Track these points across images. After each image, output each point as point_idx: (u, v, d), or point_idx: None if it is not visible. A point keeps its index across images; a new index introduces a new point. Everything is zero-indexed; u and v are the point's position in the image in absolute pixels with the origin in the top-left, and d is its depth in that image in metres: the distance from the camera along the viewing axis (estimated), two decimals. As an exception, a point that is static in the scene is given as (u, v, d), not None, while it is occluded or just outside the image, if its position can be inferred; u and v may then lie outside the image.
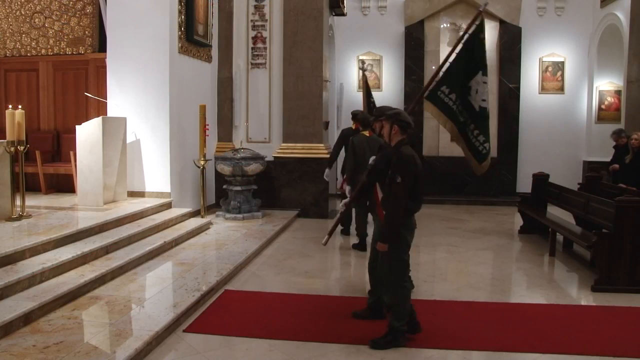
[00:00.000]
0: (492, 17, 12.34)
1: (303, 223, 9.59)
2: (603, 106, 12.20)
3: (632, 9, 10.40)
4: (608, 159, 9.49)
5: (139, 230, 6.86)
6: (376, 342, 4.40)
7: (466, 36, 5.60)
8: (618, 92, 12.04)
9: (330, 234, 5.16)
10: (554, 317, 5.14)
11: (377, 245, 4.49)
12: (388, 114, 4.53)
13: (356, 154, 7.26)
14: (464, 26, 12.30)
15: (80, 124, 7.71)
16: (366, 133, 7.54)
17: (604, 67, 12.11)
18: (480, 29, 5.55)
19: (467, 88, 5.54)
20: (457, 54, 5.52)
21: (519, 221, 9.39)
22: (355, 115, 8.10)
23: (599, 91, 12.21)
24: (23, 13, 9.66)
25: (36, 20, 9.63)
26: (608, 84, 12.15)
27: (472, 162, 5.74)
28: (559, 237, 7.81)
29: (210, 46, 9.80)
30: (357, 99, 12.54)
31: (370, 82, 12.90)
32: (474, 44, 5.55)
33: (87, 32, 9.51)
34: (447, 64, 5.59)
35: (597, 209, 6.74)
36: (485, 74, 5.55)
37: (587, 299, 5.80)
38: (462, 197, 12.20)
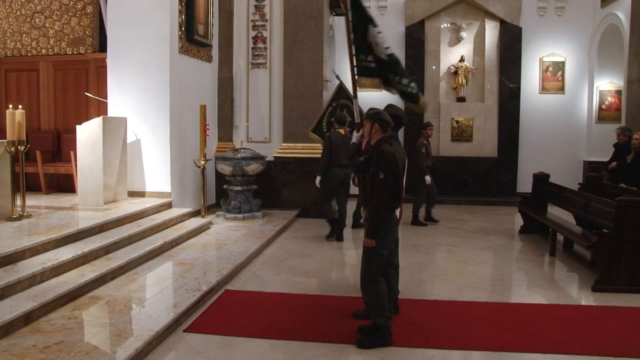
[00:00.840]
0: (493, 17, 12.35)
1: (303, 223, 9.59)
2: (603, 106, 12.19)
3: (633, 9, 10.39)
4: (608, 159, 9.47)
5: (139, 230, 6.86)
6: (362, 341, 4.42)
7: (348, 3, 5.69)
8: (618, 92, 12.03)
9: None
10: (555, 317, 5.13)
11: (364, 242, 4.51)
12: (369, 113, 4.70)
13: (332, 150, 8.05)
14: (465, 26, 12.37)
15: (80, 123, 7.72)
16: (341, 131, 8.28)
17: (604, 67, 12.11)
18: None
19: (368, 44, 5.62)
20: (352, 22, 5.63)
21: (519, 221, 9.38)
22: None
23: (600, 91, 12.20)
24: (23, 13, 9.66)
25: (36, 20, 9.64)
26: (608, 83, 12.14)
27: (410, 106, 5.85)
28: (560, 237, 7.81)
29: (211, 46, 9.80)
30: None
31: (371, 82, 12.89)
32: (354, 6, 5.66)
33: (87, 32, 9.51)
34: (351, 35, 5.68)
35: (598, 209, 6.74)
36: (375, 25, 5.62)
37: (587, 299, 5.80)
38: (462, 197, 12.20)
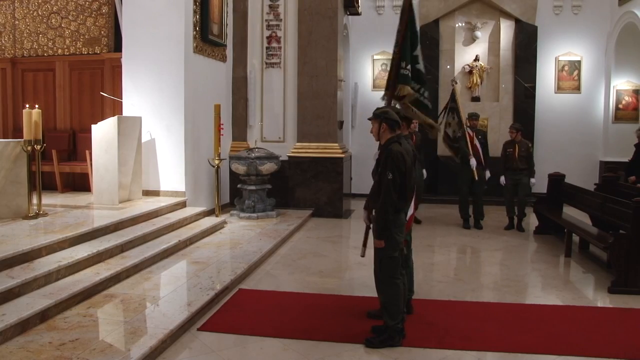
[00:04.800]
0: (508, 15, 12.26)
1: (317, 223, 9.58)
2: (620, 105, 12.06)
3: (651, 7, 10.27)
4: (625, 159, 9.38)
5: (154, 229, 6.90)
6: (370, 341, 4.41)
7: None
8: (636, 92, 11.90)
9: (365, 244, 5.00)
10: (570, 319, 5.09)
11: (373, 243, 4.49)
12: (376, 112, 4.62)
13: None
14: (480, 25, 12.29)
15: (96, 123, 7.77)
16: None
17: (621, 66, 11.97)
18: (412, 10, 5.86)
19: (414, 57, 5.73)
20: (406, 29, 5.78)
21: (534, 221, 9.32)
22: None
23: (617, 90, 12.06)
24: (40, 13, 9.75)
25: (53, 20, 9.72)
26: (626, 83, 12.01)
27: (432, 129, 5.93)
28: (575, 238, 7.73)
29: (225, 46, 9.83)
30: (371, 99, 12.51)
31: (385, 82, 12.88)
32: (411, 18, 5.82)
33: (102, 32, 9.58)
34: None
35: (614, 209, 6.67)
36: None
37: (603, 301, 5.75)
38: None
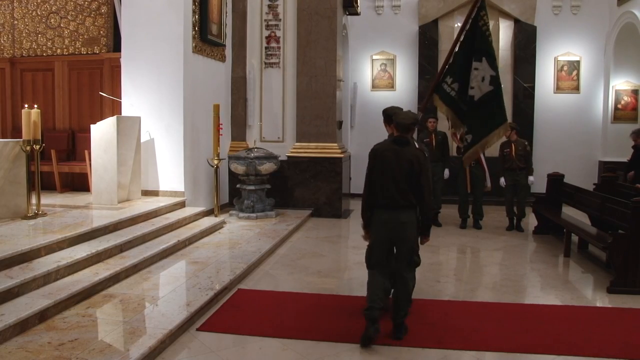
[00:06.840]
0: (507, 15, 12.26)
1: (316, 223, 9.58)
2: (619, 106, 12.06)
3: (650, 8, 10.26)
4: (624, 159, 9.38)
5: (153, 229, 6.89)
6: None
7: (468, 25, 5.53)
8: (635, 92, 11.91)
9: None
10: (569, 319, 5.09)
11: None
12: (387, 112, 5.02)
13: None
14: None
15: (95, 123, 7.77)
16: None
17: (620, 66, 11.97)
18: (482, 8, 5.50)
19: (468, 75, 5.51)
20: (461, 44, 5.47)
21: (533, 221, 9.31)
22: None
23: (616, 90, 12.06)
24: (39, 13, 9.75)
25: (52, 20, 9.72)
26: (625, 83, 12.01)
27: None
28: (574, 238, 7.73)
29: (224, 46, 9.82)
30: (371, 99, 12.52)
31: (384, 82, 12.90)
32: (475, 32, 5.51)
33: (102, 32, 9.57)
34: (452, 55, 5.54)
35: (613, 209, 6.67)
36: (477, 59, 5.46)
37: (602, 301, 5.74)
38: (476, 197, 12.11)
